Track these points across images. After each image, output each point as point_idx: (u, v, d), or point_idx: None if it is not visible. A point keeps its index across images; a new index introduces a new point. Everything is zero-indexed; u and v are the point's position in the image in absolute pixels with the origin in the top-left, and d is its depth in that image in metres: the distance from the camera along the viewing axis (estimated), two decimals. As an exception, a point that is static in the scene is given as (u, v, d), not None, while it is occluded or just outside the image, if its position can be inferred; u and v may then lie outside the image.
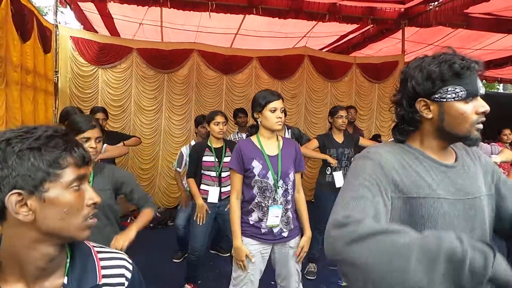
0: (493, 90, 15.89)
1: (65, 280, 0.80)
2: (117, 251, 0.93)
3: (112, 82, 5.66)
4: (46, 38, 4.77)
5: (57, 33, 5.27)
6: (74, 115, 1.87)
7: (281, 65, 6.34)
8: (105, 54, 5.57)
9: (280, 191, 2.11)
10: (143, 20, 6.08)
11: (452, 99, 0.97)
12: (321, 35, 6.89)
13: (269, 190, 2.10)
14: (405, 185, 0.97)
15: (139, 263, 3.05)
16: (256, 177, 2.09)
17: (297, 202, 2.29)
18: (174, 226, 4.16)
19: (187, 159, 3.61)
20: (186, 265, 3.32)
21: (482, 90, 0.98)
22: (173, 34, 6.73)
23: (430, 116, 1.02)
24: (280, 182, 2.11)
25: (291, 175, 2.16)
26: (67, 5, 5.54)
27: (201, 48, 6.03)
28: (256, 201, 2.11)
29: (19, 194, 0.72)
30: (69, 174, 0.76)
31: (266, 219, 2.11)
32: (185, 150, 3.75)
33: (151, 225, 5.14)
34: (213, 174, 3.13)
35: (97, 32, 6.67)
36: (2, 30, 3.48)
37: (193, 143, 3.84)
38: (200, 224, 3.03)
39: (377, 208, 0.90)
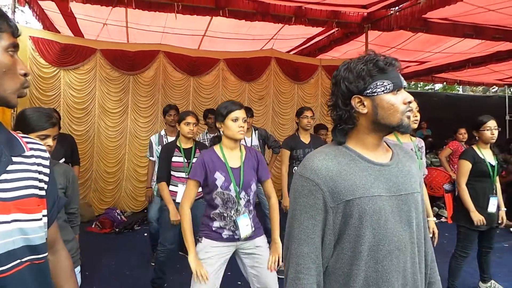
0: (453, 91, 16.64)
1: None
2: None
3: (75, 84, 5.51)
4: (3, 38, 4.57)
5: (15, 33, 5.06)
6: (30, 110, 1.80)
7: (248, 67, 6.39)
8: (67, 55, 5.41)
9: (242, 202, 2.14)
10: (107, 20, 5.94)
11: (382, 92, 1.06)
12: (288, 38, 6.99)
13: (231, 201, 2.12)
14: (341, 190, 1.04)
15: (103, 268, 3.04)
16: (219, 189, 2.10)
17: (269, 207, 2.31)
18: (147, 220, 4.12)
19: (156, 148, 3.63)
20: (152, 269, 3.28)
21: (404, 83, 1.09)
22: (139, 35, 6.61)
23: (365, 111, 1.09)
24: (242, 194, 2.14)
25: (252, 186, 2.19)
26: (26, 4, 5.33)
27: (167, 50, 5.99)
28: (218, 211, 2.13)
29: None
30: (6, 38, 0.85)
31: (229, 228, 2.12)
32: (154, 139, 3.80)
33: (117, 229, 5.04)
34: (182, 175, 3.12)
35: (59, 32, 6.45)
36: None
37: (162, 132, 3.86)
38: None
39: (317, 245, 1.07)
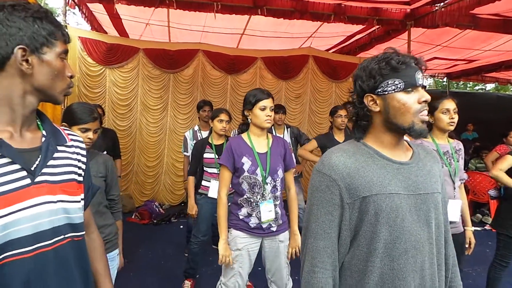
0: (506, 92, 15.61)
1: (44, 133, 1.01)
2: None
3: (119, 81, 5.79)
4: (55, 38, 4.90)
5: (66, 33, 5.40)
6: (76, 104, 1.95)
7: (285, 66, 6.39)
8: (113, 54, 5.70)
9: (268, 187, 2.17)
10: (150, 21, 6.19)
11: (393, 91, 1.06)
12: (327, 36, 6.91)
13: (258, 186, 2.16)
14: (358, 187, 1.05)
15: (140, 257, 3.23)
16: (246, 173, 2.16)
17: (288, 198, 2.35)
18: (184, 213, 4.25)
19: (191, 143, 3.76)
20: (186, 260, 3.41)
21: (420, 82, 1.06)
22: (180, 34, 6.82)
23: (377, 109, 1.10)
24: (269, 179, 2.18)
25: (279, 172, 2.21)
26: (76, 6, 5.67)
27: (206, 48, 6.12)
28: (245, 196, 2.18)
29: (24, 49, 0.90)
30: (60, 46, 0.97)
31: (255, 215, 2.17)
32: (188, 134, 3.91)
33: (155, 221, 5.26)
34: (214, 170, 3.21)
35: (106, 32, 6.81)
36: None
37: (196, 128, 3.96)
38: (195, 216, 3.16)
39: (333, 240, 1.08)
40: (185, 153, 3.96)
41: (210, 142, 3.23)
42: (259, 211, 2.16)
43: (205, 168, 3.23)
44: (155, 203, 5.72)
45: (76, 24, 10.06)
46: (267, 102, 2.16)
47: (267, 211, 2.16)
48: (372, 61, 1.10)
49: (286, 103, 6.16)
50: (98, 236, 1.23)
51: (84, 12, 5.93)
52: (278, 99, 6.35)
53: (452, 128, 2.30)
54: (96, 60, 5.64)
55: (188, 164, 3.99)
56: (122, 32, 6.86)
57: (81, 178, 1.07)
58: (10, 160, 0.89)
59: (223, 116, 3.14)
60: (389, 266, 1.02)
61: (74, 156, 1.06)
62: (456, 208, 2.28)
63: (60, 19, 6.61)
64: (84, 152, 1.11)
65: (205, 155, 3.19)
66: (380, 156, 1.10)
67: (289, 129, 4.30)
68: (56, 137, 1.03)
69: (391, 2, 5.81)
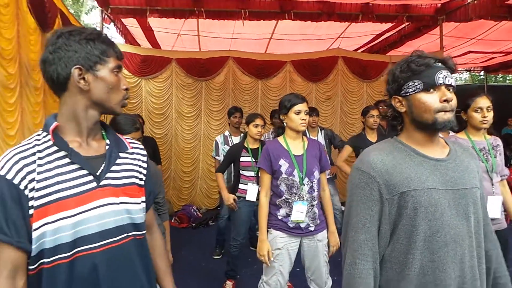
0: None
1: (107, 142, 1.13)
2: None
3: (154, 91, 6.04)
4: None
5: (104, 48, 5.70)
6: (120, 116, 2.11)
7: (314, 68, 6.41)
8: (147, 65, 5.95)
9: (305, 188, 2.24)
10: (181, 31, 6.41)
11: (414, 92, 1.13)
12: (356, 35, 6.88)
13: (295, 187, 2.23)
14: (396, 183, 1.10)
15: (182, 259, 3.39)
16: (283, 175, 2.24)
17: (322, 199, 2.42)
18: (218, 217, 4.37)
19: (222, 147, 3.89)
20: (226, 261, 3.51)
21: (441, 81, 1.10)
22: (210, 42, 7.01)
23: (403, 109, 1.18)
24: (306, 180, 2.25)
25: (316, 173, 2.28)
26: (111, 22, 5.98)
27: (236, 55, 6.26)
28: (283, 197, 2.26)
29: (80, 69, 1.02)
30: (112, 62, 1.07)
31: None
32: (219, 139, 4.05)
33: (193, 224, 5.42)
34: (251, 173, 3.30)
35: (139, 45, 7.11)
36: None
37: (227, 133, 4.08)
38: (236, 209, 3.27)
39: (373, 234, 1.13)
40: (216, 157, 4.07)
41: (246, 146, 3.33)
42: (292, 210, 2.23)
43: (242, 172, 3.33)
44: (193, 207, 5.89)
45: (111, 38, 10.51)
46: (301, 106, 2.25)
47: (299, 211, 2.23)
48: (397, 65, 1.18)
49: (317, 105, 6.17)
50: (160, 235, 1.34)
51: (119, 26, 6.24)
52: (309, 101, 6.32)
53: (485, 126, 2.28)
54: (132, 71, 5.90)
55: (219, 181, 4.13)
56: (154, 43, 7.14)
57: (142, 182, 1.18)
58: (79, 166, 1.02)
59: (259, 121, 3.25)
60: (429, 258, 1.06)
61: (135, 162, 1.18)
62: (496, 204, 2.26)
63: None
64: (144, 159, 1.23)
65: (242, 159, 3.29)
66: (416, 153, 1.14)
67: (323, 131, 4.35)
68: (119, 145, 1.15)
69: (421, -3, 5.72)
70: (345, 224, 1.20)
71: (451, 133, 3.13)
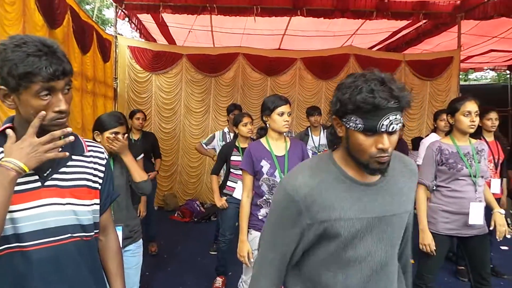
0: None
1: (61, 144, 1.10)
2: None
3: (164, 86, 6.14)
4: (106, 48, 5.32)
5: (116, 43, 5.85)
6: (104, 114, 2.21)
7: (325, 65, 6.32)
8: (158, 61, 6.05)
9: None
10: (194, 26, 6.46)
11: (352, 128, 0.98)
12: (371, 32, 6.72)
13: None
14: (318, 210, 1.02)
15: (179, 253, 3.44)
16: (265, 176, 2.25)
17: None
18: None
19: (220, 143, 3.96)
20: (216, 257, 3.56)
21: (384, 129, 0.94)
22: (223, 38, 7.04)
23: (341, 134, 1.05)
24: None
25: None
26: (126, 17, 6.10)
27: (246, 51, 6.26)
28: (264, 197, 2.27)
29: (4, 90, 1.00)
30: (36, 86, 0.97)
31: None
32: (218, 135, 4.11)
33: (195, 219, 5.50)
34: (241, 172, 3.31)
35: (154, 39, 7.23)
36: (65, 44, 4.00)
37: (226, 130, 4.13)
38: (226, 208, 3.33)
39: (284, 254, 1.10)
40: (203, 143, 4.17)
41: (237, 145, 3.35)
42: None
43: (232, 170, 3.36)
44: (197, 202, 5.97)
45: (130, 32, 10.73)
46: (284, 108, 2.24)
47: None
48: (348, 86, 0.98)
49: (326, 103, 6.10)
50: (115, 237, 1.36)
51: (134, 22, 6.36)
52: (318, 99, 6.32)
53: (472, 131, 2.21)
54: (143, 67, 6.02)
55: (203, 150, 4.22)
56: (169, 38, 7.24)
57: (95, 185, 1.19)
58: None
59: (246, 119, 3.27)
60: (342, 283, 1.06)
61: (90, 165, 1.19)
62: (479, 211, 2.23)
63: (111, 29, 7.14)
64: (103, 162, 1.24)
65: (233, 158, 3.32)
66: (346, 177, 1.06)
67: (325, 130, 4.31)
68: (74, 148, 1.15)
69: (438, -6, 5.53)
70: (260, 236, 1.19)
71: (435, 138, 3.04)
